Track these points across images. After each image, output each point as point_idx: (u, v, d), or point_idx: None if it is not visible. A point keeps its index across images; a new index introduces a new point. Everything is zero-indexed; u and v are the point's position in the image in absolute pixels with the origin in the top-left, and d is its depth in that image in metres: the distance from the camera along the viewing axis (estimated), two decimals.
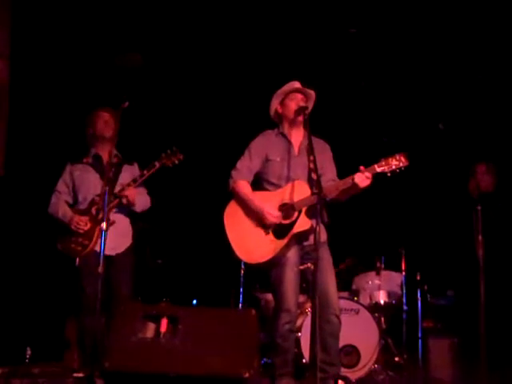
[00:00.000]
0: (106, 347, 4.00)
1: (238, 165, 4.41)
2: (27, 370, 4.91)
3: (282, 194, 4.24)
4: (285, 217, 4.19)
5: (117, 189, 4.80)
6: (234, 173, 4.40)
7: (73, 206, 4.89)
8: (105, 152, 4.95)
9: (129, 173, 4.96)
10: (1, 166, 5.53)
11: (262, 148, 4.41)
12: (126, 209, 4.87)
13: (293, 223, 4.15)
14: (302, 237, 4.21)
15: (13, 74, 5.63)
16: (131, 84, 5.59)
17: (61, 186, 4.94)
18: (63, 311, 5.49)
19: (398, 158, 4.10)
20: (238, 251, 4.26)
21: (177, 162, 4.84)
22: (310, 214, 4.09)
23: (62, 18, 6.01)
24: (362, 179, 4.09)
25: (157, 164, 4.80)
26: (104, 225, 4.11)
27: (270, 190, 4.34)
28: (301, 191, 4.17)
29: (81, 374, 4.28)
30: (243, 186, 4.35)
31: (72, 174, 4.92)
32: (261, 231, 4.22)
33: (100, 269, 3.98)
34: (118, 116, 4.46)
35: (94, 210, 4.75)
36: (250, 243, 4.23)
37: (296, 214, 4.16)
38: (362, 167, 4.13)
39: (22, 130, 5.91)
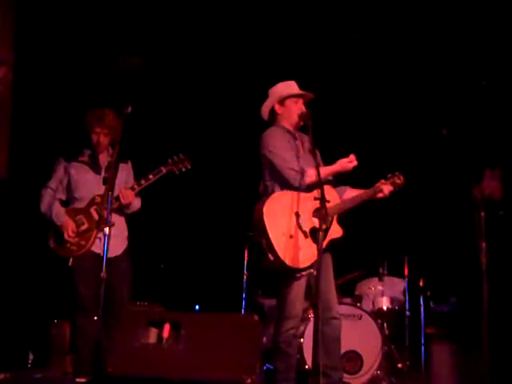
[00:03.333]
0: (106, 351, 3.99)
1: (288, 164, 4.17)
2: (29, 375, 4.92)
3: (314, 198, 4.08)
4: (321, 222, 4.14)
5: (116, 190, 4.77)
6: (294, 167, 4.14)
7: (66, 203, 4.80)
8: (101, 154, 4.88)
9: (125, 171, 4.87)
10: (4, 170, 5.54)
11: (285, 142, 4.28)
12: (122, 211, 4.82)
13: (327, 230, 4.04)
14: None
15: (16, 78, 5.64)
16: (132, 86, 5.62)
17: (54, 182, 4.80)
18: (51, 314, 5.44)
19: (398, 176, 4.33)
20: (280, 253, 3.99)
21: (183, 169, 4.79)
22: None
23: (64, 21, 6.03)
24: (388, 189, 4.31)
25: (163, 170, 4.75)
26: (107, 229, 4.10)
27: (282, 188, 4.21)
28: (331, 197, 4.07)
29: (83, 380, 4.26)
30: (314, 173, 4.00)
31: (68, 172, 4.79)
32: (301, 234, 4.07)
33: (103, 274, 3.96)
34: (121, 121, 4.45)
35: (93, 211, 4.67)
36: (294, 246, 4.03)
37: (330, 219, 4.10)
38: (389, 175, 4.34)
39: (26, 134, 5.92)
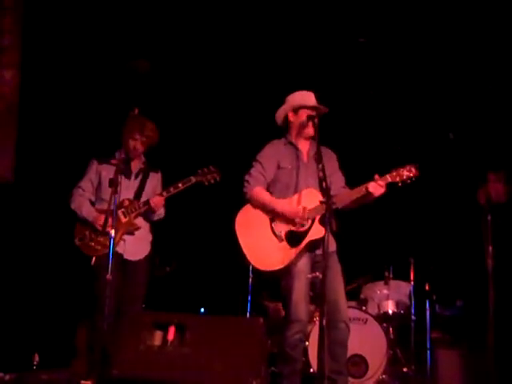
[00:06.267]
0: (113, 354, 4.00)
1: (253, 172, 4.37)
2: (35, 377, 4.92)
3: (296, 202, 4.23)
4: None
5: (144, 197, 4.84)
6: (249, 179, 4.35)
7: (93, 204, 4.87)
8: (134, 159, 4.95)
9: (155, 180, 4.99)
10: (11, 173, 5.56)
11: (273, 156, 4.40)
12: (147, 217, 4.89)
13: (306, 231, 4.15)
14: (314, 245, 4.19)
15: (23, 80, 5.66)
16: (140, 90, 5.63)
17: (86, 183, 4.88)
18: (73, 316, 5.45)
19: (408, 168, 4.15)
20: (251, 258, 4.21)
21: (213, 181, 4.86)
22: (323, 222, 4.07)
23: (71, 24, 6.04)
24: (376, 188, 4.14)
25: (193, 179, 4.81)
26: (112, 231, 4.11)
27: (278, 197, 4.32)
28: (313, 199, 4.14)
29: (89, 382, 4.26)
30: (261, 192, 4.32)
31: (99, 174, 4.86)
32: (274, 239, 4.20)
33: (108, 276, 3.97)
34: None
35: (120, 213, 4.72)
36: (263, 250, 4.20)
37: (309, 221, 4.16)
38: (376, 176, 4.16)
39: (32, 137, 5.94)
